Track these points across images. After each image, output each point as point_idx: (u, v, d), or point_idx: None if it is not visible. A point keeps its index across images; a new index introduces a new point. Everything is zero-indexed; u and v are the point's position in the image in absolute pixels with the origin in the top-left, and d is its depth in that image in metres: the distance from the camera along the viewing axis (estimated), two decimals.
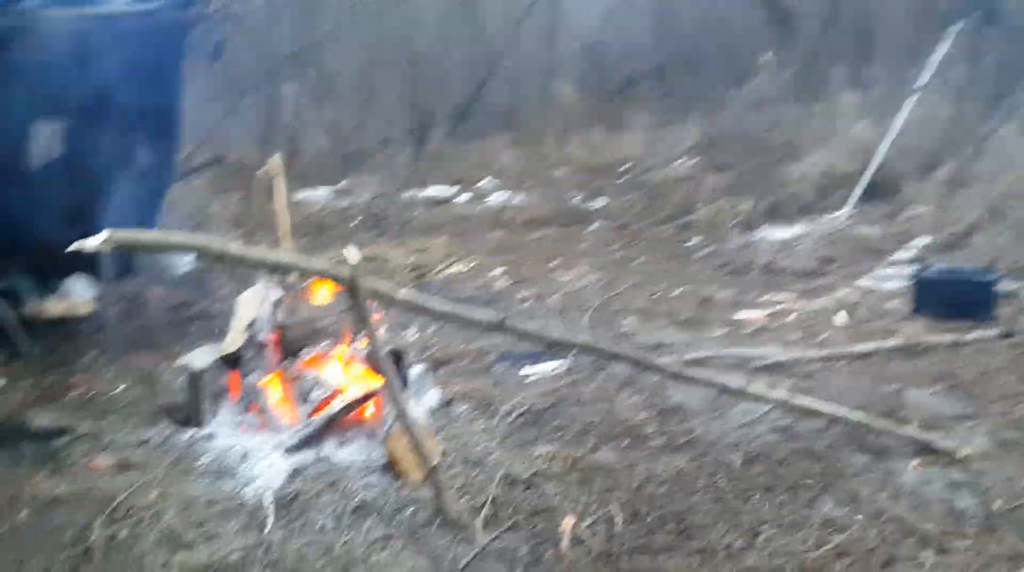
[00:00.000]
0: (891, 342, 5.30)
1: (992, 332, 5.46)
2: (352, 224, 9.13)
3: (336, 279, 3.65)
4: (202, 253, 3.78)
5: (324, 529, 3.44)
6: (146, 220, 6.29)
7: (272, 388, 4.31)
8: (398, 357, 4.30)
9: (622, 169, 10.80)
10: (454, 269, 7.42)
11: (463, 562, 3.21)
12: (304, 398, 4.27)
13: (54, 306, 5.75)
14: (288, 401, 4.28)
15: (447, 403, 4.58)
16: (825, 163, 9.28)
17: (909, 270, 6.43)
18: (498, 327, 3.95)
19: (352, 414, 4.16)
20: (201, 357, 4.42)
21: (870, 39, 10.94)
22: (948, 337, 5.41)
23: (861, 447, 4.02)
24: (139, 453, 4.08)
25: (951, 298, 5.81)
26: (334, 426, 4.12)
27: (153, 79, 5.93)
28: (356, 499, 3.63)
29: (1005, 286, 6.08)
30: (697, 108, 12.00)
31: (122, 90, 5.45)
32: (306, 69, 12.74)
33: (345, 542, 3.33)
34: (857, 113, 9.72)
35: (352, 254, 3.61)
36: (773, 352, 5.17)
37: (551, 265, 7.51)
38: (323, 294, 4.74)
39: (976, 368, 4.98)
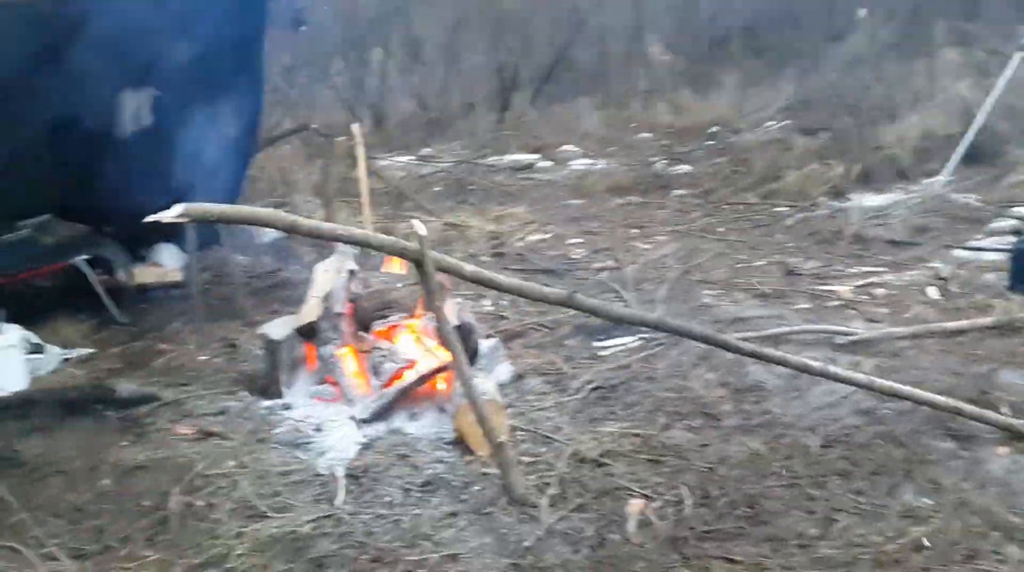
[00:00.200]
0: (985, 319, 5.04)
1: None
2: (433, 190, 9.17)
3: (403, 255, 3.64)
4: (271, 226, 3.81)
5: (393, 503, 3.47)
6: (232, 188, 6.44)
7: (346, 360, 4.35)
8: (468, 331, 4.30)
9: (708, 132, 10.56)
10: (533, 237, 7.38)
11: (528, 542, 3.20)
12: (377, 370, 4.30)
13: (142, 275, 5.95)
14: (361, 373, 4.32)
15: (518, 377, 4.56)
16: (923, 125, 8.91)
17: (1008, 241, 6.11)
18: (566, 302, 3.90)
19: (424, 387, 4.18)
20: (279, 328, 4.49)
21: None
22: None
23: (947, 432, 3.84)
24: (219, 422, 4.19)
25: None
26: (406, 399, 4.16)
27: (238, 47, 6.02)
28: (425, 473, 3.66)
29: None
30: (789, 66, 11.63)
31: (208, 59, 5.54)
32: (392, 34, 12.78)
33: (413, 517, 3.36)
34: (959, 72, 9.27)
35: (421, 228, 3.60)
36: (858, 328, 4.97)
37: (631, 234, 7.39)
38: (400, 265, 4.77)
39: None
